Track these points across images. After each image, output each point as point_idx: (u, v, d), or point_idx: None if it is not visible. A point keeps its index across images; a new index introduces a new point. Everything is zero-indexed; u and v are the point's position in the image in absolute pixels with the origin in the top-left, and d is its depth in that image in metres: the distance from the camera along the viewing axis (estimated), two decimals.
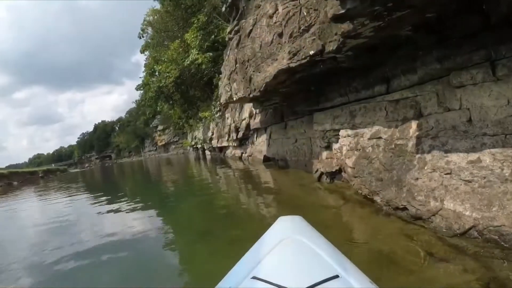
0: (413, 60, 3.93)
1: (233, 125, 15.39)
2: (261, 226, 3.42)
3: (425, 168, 3.52)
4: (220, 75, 18.46)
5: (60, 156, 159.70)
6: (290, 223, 2.21)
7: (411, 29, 3.57)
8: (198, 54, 17.47)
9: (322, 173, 6.33)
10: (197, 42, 17.25)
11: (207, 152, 28.27)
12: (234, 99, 8.34)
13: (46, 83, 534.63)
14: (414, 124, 3.85)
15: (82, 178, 31.22)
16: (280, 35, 5.24)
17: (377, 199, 4.11)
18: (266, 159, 11.56)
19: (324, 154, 6.37)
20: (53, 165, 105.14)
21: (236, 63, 7.65)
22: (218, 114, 21.05)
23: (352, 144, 4.91)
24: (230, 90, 8.43)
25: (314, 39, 4.26)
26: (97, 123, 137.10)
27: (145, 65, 29.83)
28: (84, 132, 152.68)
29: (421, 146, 3.67)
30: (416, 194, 3.51)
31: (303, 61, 4.62)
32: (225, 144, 19.02)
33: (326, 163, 6.16)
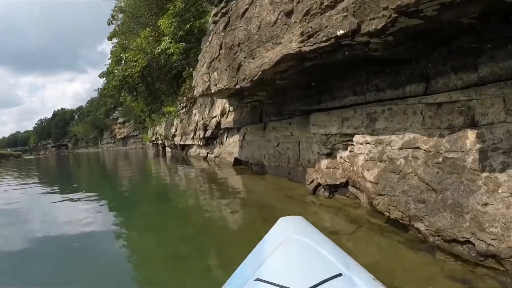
0: (474, 55, 3.00)
1: (201, 122, 14.20)
2: (235, 242, 3.18)
3: (499, 191, 2.60)
4: (191, 69, 17.62)
5: (16, 141, 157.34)
6: (291, 223, 2.19)
7: (478, 16, 2.75)
8: (170, 43, 16.16)
9: (319, 185, 5.32)
10: (171, 29, 15.94)
11: (168, 149, 27.12)
12: (213, 90, 7.25)
13: (8, 64, 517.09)
14: (471, 134, 2.88)
15: (36, 166, 30.43)
16: (289, 13, 4.19)
17: (420, 226, 3.11)
18: (237, 162, 10.51)
19: (324, 162, 5.32)
20: (8, 150, 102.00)
21: (220, 49, 6.56)
22: (183, 110, 19.90)
23: (373, 153, 3.88)
24: (209, 80, 7.33)
25: (345, 16, 3.23)
26: (56, 110, 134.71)
27: (111, 52, 28.19)
28: (42, 118, 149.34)
29: (487, 162, 2.72)
30: (487, 224, 2.59)
31: (323, 44, 3.58)
32: (189, 142, 17.77)
33: (326, 173, 5.14)
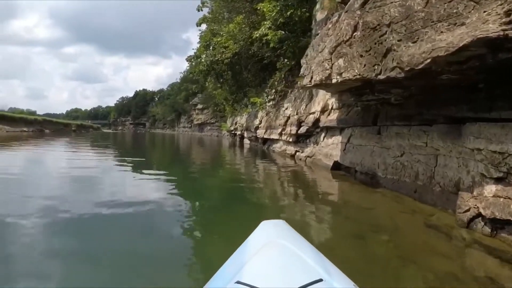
0: None
1: (294, 117, 13.10)
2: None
3: None
4: (285, 60, 16.67)
5: (97, 114, 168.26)
6: (273, 227, 2.17)
7: None
8: (269, 29, 15.21)
9: (477, 216, 4.05)
10: (273, 14, 14.99)
11: (246, 141, 26.49)
12: (334, 81, 6.12)
13: (96, 43, 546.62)
14: None
15: (113, 139, 33.44)
16: None
17: None
18: (336, 166, 9.33)
19: (491, 188, 3.97)
20: (89, 121, 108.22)
21: (354, 30, 5.39)
22: (270, 103, 18.98)
23: None
24: (330, 68, 6.21)
25: None
26: (138, 90, 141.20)
27: (201, 37, 27.72)
28: (124, 96, 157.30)
29: None
30: None
31: None
32: (274, 136, 16.78)
33: (493, 203, 3.82)
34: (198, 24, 27.68)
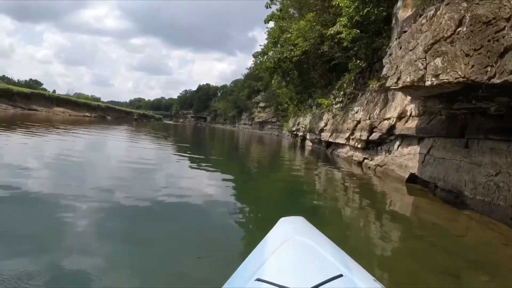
0: None
1: (366, 122, 12.24)
2: None
3: None
4: (358, 61, 15.83)
5: (159, 105, 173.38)
6: (292, 223, 2.15)
7: None
8: (344, 26, 14.42)
9: None
10: (350, 10, 14.18)
11: (308, 143, 25.74)
12: (428, 83, 5.31)
13: (163, 36, 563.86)
14: None
15: (173, 131, 34.41)
16: None
17: None
18: (412, 179, 8.47)
19: None
20: (150, 111, 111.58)
21: (459, 26, 4.61)
22: (338, 105, 18.18)
23: None
24: (425, 68, 5.43)
25: None
26: (201, 84, 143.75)
27: (269, 33, 27.33)
28: (187, 89, 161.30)
29: None
30: None
31: None
32: (340, 141, 15.93)
33: None
34: (266, 21, 27.26)
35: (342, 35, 14.31)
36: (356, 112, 13.98)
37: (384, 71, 7.31)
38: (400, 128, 9.50)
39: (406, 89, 6.44)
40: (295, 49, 20.63)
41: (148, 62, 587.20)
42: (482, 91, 4.69)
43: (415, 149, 8.70)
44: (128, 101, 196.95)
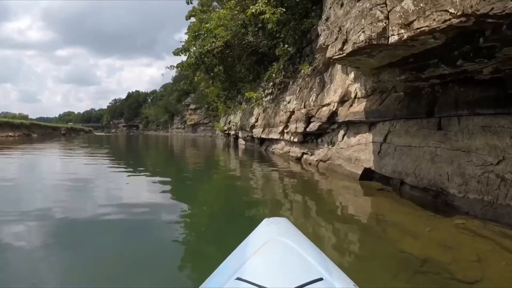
0: None
1: (301, 111, 10.41)
2: None
3: None
4: (285, 45, 14.15)
5: (90, 117, 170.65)
6: (275, 225, 2.10)
7: None
8: (266, 5, 12.62)
9: None
10: None
11: (241, 141, 24.13)
12: (395, 38, 3.49)
13: (89, 46, 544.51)
14: None
15: (105, 142, 32.68)
16: None
17: None
18: (367, 176, 6.79)
19: None
20: (80, 124, 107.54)
21: None
22: (268, 98, 16.48)
23: None
24: (386, 17, 3.62)
25: None
26: (131, 91, 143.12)
27: (189, 28, 24.95)
28: (116, 98, 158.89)
29: None
30: None
31: None
32: (274, 136, 14.12)
33: None
34: (188, 18, 25.38)
35: (266, 16, 12.50)
36: (289, 102, 12.19)
37: (321, 40, 5.59)
38: (344, 114, 7.76)
39: (355, 57, 4.59)
40: (216, 41, 18.78)
41: (75, 74, 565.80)
42: (484, 40, 2.96)
43: (365, 137, 7.01)
44: (57, 116, 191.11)
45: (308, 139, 10.48)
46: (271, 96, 15.99)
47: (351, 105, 7.52)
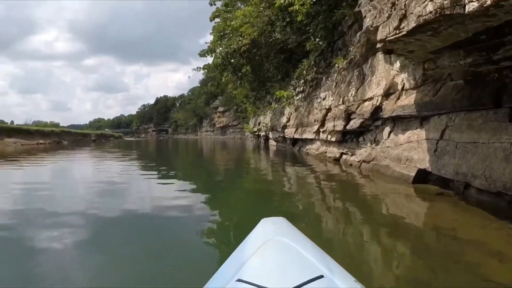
0: None
1: (339, 108, 9.59)
2: None
3: None
4: (316, 39, 13.37)
5: (120, 123, 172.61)
6: (273, 224, 2.11)
7: None
8: None
9: None
10: None
11: (272, 142, 23.74)
12: (475, 5, 2.75)
13: (115, 54, 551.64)
14: None
15: (135, 147, 32.83)
16: None
17: None
18: (422, 178, 5.98)
19: None
20: (109, 130, 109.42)
21: None
22: (299, 96, 15.71)
23: None
24: None
25: None
26: (159, 96, 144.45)
27: (213, 28, 24.36)
28: (145, 104, 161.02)
29: None
30: None
31: None
32: (308, 136, 13.35)
33: None
34: (212, 19, 24.69)
35: (295, 7, 11.76)
36: (324, 99, 11.39)
37: (367, 22, 4.72)
38: (390, 109, 6.93)
39: (416, 37, 3.80)
40: (242, 39, 18.20)
41: (103, 81, 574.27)
42: None
43: (417, 134, 6.19)
44: (88, 123, 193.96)
45: (348, 138, 9.65)
46: (303, 94, 15.24)
47: (398, 98, 6.70)
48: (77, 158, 18.51)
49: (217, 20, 24.76)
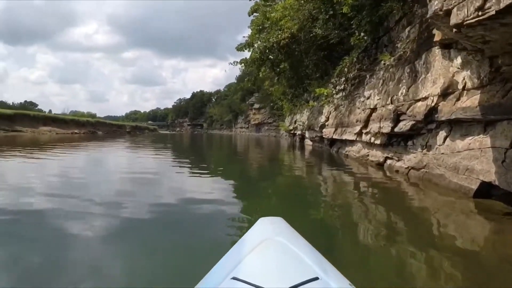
0: None
1: (388, 108, 8.70)
2: None
3: None
4: (361, 34, 12.55)
5: (155, 116, 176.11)
6: (270, 224, 2.13)
7: None
8: None
9: None
10: None
11: (308, 142, 22.83)
12: None
13: (154, 48, 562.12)
14: None
15: (169, 140, 33.58)
16: None
17: None
18: (485, 192, 5.19)
19: None
20: (145, 123, 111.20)
21: None
22: (339, 94, 14.91)
23: None
24: None
25: None
26: (195, 91, 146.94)
27: (252, 22, 23.77)
28: (181, 98, 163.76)
29: None
30: None
31: None
32: (348, 137, 12.53)
33: None
34: (250, 13, 24.39)
35: None
36: (368, 98, 10.56)
37: (435, 6, 3.95)
38: (448, 111, 6.10)
39: (502, 21, 3.05)
40: (282, 33, 17.77)
41: (141, 75, 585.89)
42: None
43: (480, 141, 5.38)
44: (124, 115, 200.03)
45: (394, 141, 8.79)
46: (344, 93, 14.43)
47: (458, 99, 5.87)
48: (111, 149, 19.22)
49: (255, 14, 24.29)
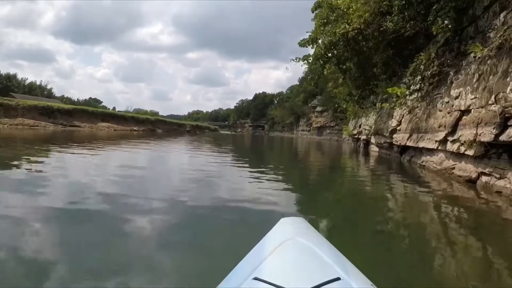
0: None
1: (488, 109, 6.64)
2: None
3: None
4: (445, 21, 10.63)
5: (217, 116, 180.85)
6: (291, 224, 2.10)
7: None
8: None
9: None
10: None
11: (373, 148, 20.91)
12: None
13: (218, 49, 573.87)
14: None
15: (230, 141, 33.82)
16: None
17: None
18: None
19: None
20: (206, 123, 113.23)
21: None
22: (414, 95, 13.00)
23: None
24: None
25: None
26: (257, 92, 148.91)
27: (316, 15, 22.16)
28: (243, 99, 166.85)
29: None
30: None
31: None
32: (426, 144, 10.49)
33: None
34: (314, 9, 22.82)
35: None
36: (457, 97, 8.56)
37: None
38: None
39: None
40: (353, 21, 16.25)
41: (204, 75, 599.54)
42: None
43: None
44: (187, 114, 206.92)
45: (493, 152, 6.83)
46: (420, 93, 12.52)
47: None
48: (170, 146, 19.99)
49: (319, 9, 22.88)
